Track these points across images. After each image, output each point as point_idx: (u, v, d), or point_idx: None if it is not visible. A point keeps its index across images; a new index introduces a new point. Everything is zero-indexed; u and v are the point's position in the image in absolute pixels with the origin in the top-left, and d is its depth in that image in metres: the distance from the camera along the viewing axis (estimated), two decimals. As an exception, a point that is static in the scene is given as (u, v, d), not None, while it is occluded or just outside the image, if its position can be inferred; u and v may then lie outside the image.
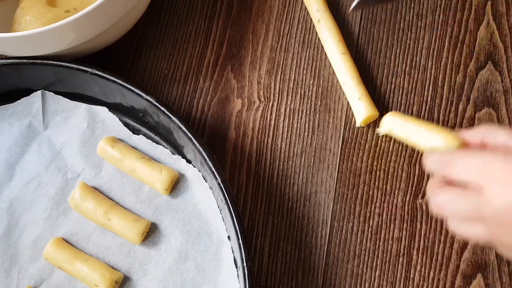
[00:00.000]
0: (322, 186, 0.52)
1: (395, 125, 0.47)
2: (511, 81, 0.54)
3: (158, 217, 0.50)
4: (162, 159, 0.52)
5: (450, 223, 0.44)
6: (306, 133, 0.54)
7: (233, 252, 0.47)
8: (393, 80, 0.54)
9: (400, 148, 0.53)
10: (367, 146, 0.53)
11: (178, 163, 0.51)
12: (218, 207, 0.48)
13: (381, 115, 0.54)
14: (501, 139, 0.43)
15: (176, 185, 0.51)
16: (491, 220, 0.41)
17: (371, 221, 0.51)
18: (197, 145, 0.47)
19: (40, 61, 0.51)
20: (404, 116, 0.47)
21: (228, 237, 0.47)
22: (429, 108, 0.54)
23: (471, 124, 0.53)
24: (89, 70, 0.51)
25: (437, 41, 0.56)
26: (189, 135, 0.48)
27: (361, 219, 0.51)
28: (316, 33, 0.57)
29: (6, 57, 0.52)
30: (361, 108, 0.52)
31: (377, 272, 0.49)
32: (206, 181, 0.50)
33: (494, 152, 0.42)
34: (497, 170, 0.40)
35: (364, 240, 0.50)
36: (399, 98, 0.54)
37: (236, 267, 0.46)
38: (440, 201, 0.43)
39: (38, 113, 0.54)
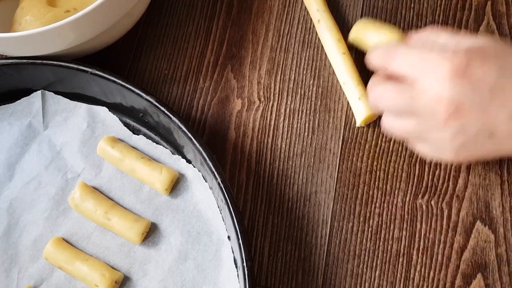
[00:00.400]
0: (322, 186, 0.52)
1: (359, 33, 0.53)
2: (511, 81, 0.54)
3: (158, 217, 0.50)
4: (162, 159, 0.52)
5: (384, 118, 0.46)
6: (306, 133, 0.54)
7: (233, 252, 0.47)
8: (393, 80, 0.54)
9: (400, 148, 0.53)
10: (367, 146, 0.53)
11: (178, 163, 0.51)
12: (218, 207, 0.48)
13: (381, 115, 0.54)
14: (443, 40, 0.44)
15: (176, 185, 0.51)
16: (421, 113, 0.42)
17: (371, 221, 0.51)
18: (197, 145, 0.47)
19: (40, 61, 0.51)
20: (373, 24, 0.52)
21: (228, 237, 0.47)
22: (429, 108, 0.54)
23: (471, 124, 0.53)
24: (89, 70, 0.51)
25: (437, 41, 0.56)
26: (189, 135, 0.48)
27: (361, 219, 0.51)
28: (316, 33, 0.57)
29: (6, 57, 0.52)
30: (361, 108, 0.52)
31: (377, 272, 0.49)
32: (206, 181, 0.50)
33: (432, 47, 0.42)
34: (431, 63, 0.41)
35: (364, 240, 0.50)
36: (399, 98, 0.54)
37: (236, 267, 0.46)
38: (377, 93, 0.44)
39: (38, 113, 0.54)
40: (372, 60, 0.46)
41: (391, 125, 0.46)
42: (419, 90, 0.41)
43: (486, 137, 0.41)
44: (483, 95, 0.39)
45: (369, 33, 0.52)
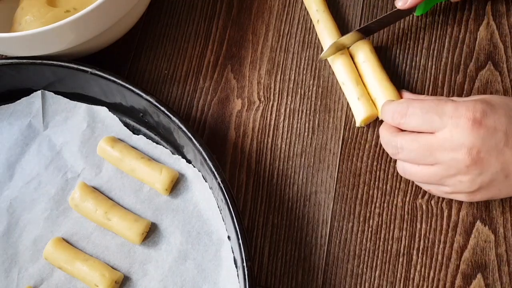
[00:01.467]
0: (322, 186, 0.52)
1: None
2: (511, 81, 0.54)
3: (158, 217, 0.50)
4: (162, 159, 0.52)
5: (400, 163, 0.49)
6: (306, 133, 0.54)
7: (233, 252, 0.47)
8: (393, 80, 0.54)
9: (400, 148, 0.53)
10: (367, 146, 0.53)
11: (178, 163, 0.51)
12: (218, 207, 0.48)
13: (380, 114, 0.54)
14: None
15: (176, 185, 0.51)
16: (443, 161, 0.45)
17: (371, 221, 0.51)
18: (197, 145, 0.47)
19: (40, 61, 0.51)
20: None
21: (228, 237, 0.47)
22: (429, 108, 0.54)
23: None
24: (89, 70, 0.51)
25: (437, 41, 0.56)
26: (189, 135, 0.48)
27: (361, 219, 0.51)
28: (316, 33, 0.57)
29: (6, 57, 0.52)
30: (360, 108, 0.52)
31: (377, 272, 0.49)
32: (206, 181, 0.50)
33: (445, 99, 0.46)
34: (448, 117, 0.44)
35: (364, 240, 0.50)
36: (399, 98, 0.54)
37: (236, 267, 0.46)
38: (395, 143, 0.47)
39: (38, 113, 0.54)
40: (384, 118, 0.49)
41: (408, 170, 0.48)
42: (439, 141, 0.44)
43: (502, 178, 0.44)
44: (498, 140, 0.43)
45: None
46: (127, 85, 0.50)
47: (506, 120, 0.44)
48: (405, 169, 0.48)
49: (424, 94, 0.55)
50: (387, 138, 0.48)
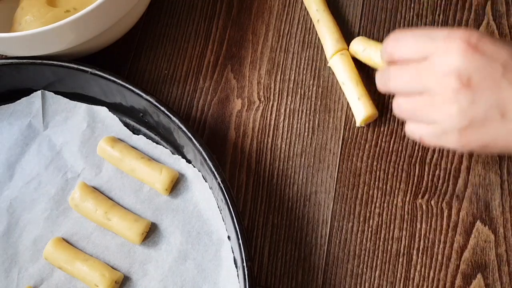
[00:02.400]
0: (322, 186, 0.52)
1: (359, 48, 0.53)
2: (511, 81, 0.54)
3: (158, 217, 0.50)
4: (162, 159, 0.52)
5: (395, 100, 0.45)
6: (306, 133, 0.54)
7: (233, 252, 0.47)
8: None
9: (400, 148, 0.53)
10: (367, 146, 0.53)
11: (178, 163, 0.51)
12: (218, 207, 0.48)
13: (381, 114, 0.54)
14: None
15: (176, 185, 0.51)
16: (432, 87, 0.40)
17: (371, 221, 0.51)
18: (197, 145, 0.47)
19: (40, 61, 0.51)
20: (369, 40, 0.53)
21: (228, 237, 0.47)
22: (429, 108, 0.54)
23: (471, 124, 0.53)
24: (89, 70, 0.51)
25: (437, 41, 0.56)
26: (189, 135, 0.48)
27: (361, 219, 0.51)
28: (316, 33, 0.57)
29: (6, 57, 0.52)
30: (360, 108, 0.52)
31: (377, 272, 0.49)
32: (206, 181, 0.50)
33: (439, 29, 0.42)
34: (441, 41, 0.40)
35: (364, 240, 0.50)
36: (399, 98, 0.54)
37: (236, 267, 0.46)
38: (386, 74, 0.44)
39: (38, 113, 0.54)
40: (383, 51, 0.45)
41: (400, 104, 0.44)
42: (429, 65, 0.40)
43: (497, 116, 0.39)
44: (495, 69, 0.38)
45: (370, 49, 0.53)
46: (127, 85, 0.50)
47: (506, 54, 0.39)
48: (396, 103, 0.44)
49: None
50: (380, 72, 0.45)
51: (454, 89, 0.39)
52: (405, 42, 0.42)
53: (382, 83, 0.45)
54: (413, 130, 0.44)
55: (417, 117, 0.43)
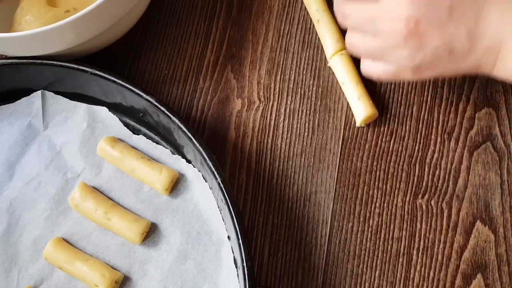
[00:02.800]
0: (322, 186, 0.52)
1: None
2: (511, 81, 0.54)
3: (158, 217, 0.50)
4: (162, 159, 0.52)
5: (348, 35, 0.48)
6: (306, 133, 0.54)
7: (233, 252, 0.47)
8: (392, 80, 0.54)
9: (400, 148, 0.53)
10: (367, 146, 0.53)
11: (178, 163, 0.51)
12: (218, 207, 0.48)
13: (381, 114, 0.54)
14: None
15: (176, 185, 0.51)
16: (383, 31, 0.43)
17: (371, 221, 0.51)
18: (197, 145, 0.47)
19: (40, 61, 0.51)
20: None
21: (228, 237, 0.47)
22: (429, 108, 0.54)
23: (471, 124, 0.53)
24: (89, 70, 0.51)
25: (437, 41, 0.56)
26: (189, 135, 0.48)
27: (361, 219, 0.51)
28: (316, 33, 0.57)
29: (6, 57, 0.52)
30: (360, 108, 0.52)
31: (377, 272, 0.49)
32: (206, 181, 0.50)
33: None
34: None
35: (364, 240, 0.50)
36: (399, 98, 0.54)
37: (236, 267, 0.46)
38: (344, 10, 0.46)
39: (38, 113, 0.54)
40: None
41: (355, 42, 0.47)
42: (381, 10, 0.43)
43: (445, 54, 0.42)
44: (441, 12, 0.41)
45: None
46: (127, 85, 0.50)
47: None
48: (352, 40, 0.47)
49: (424, 94, 0.54)
50: (337, 6, 0.47)
51: (403, 34, 0.41)
52: None
53: (340, 19, 0.48)
54: (368, 68, 0.48)
55: (372, 56, 0.46)
